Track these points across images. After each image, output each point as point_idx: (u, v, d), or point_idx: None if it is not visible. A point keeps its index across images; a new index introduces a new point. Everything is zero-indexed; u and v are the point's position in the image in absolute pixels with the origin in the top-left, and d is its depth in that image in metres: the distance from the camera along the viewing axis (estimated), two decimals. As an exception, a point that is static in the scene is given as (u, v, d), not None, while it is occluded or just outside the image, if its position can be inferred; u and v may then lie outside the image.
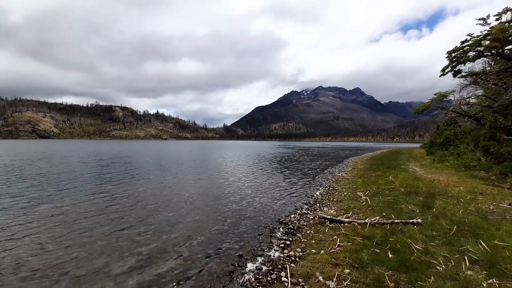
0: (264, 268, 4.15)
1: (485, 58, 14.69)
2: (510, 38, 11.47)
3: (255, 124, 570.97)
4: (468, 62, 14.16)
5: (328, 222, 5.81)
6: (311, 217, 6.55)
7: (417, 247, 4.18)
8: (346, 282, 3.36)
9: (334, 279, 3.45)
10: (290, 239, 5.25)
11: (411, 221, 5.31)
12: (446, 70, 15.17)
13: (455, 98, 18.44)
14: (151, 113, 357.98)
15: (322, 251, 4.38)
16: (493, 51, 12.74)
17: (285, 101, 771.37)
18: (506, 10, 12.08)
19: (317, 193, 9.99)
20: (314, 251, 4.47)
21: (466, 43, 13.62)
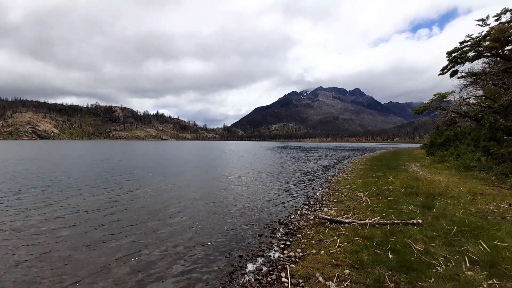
0: (264, 268, 4.14)
1: (484, 59, 14.72)
2: (509, 38, 11.49)
3: (255, 125, 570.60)
4: (467, 63, 14.19)
5: (328, 223, 5.80)
6: (311, 218, 6.55)
7: (417, 247, 4.18)
8: (346, 283, 3.36)
9: (335, 280, 3.45)
10: (290, 239, 5.25)
11: (411, 221, 5.31)
12: (445, 70, 15.20)
13: (455, 99, 18.46)
14: (151, 114, 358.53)
15: (322, 252, 4.38)
16: (492, 52, 12.77)
17: (285, 102, 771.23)
18: (505, 11, 12.10)
19: (317, 193, 9.99)
20: (314, 251, 4.47)
21: (465, 44, 13.64)
